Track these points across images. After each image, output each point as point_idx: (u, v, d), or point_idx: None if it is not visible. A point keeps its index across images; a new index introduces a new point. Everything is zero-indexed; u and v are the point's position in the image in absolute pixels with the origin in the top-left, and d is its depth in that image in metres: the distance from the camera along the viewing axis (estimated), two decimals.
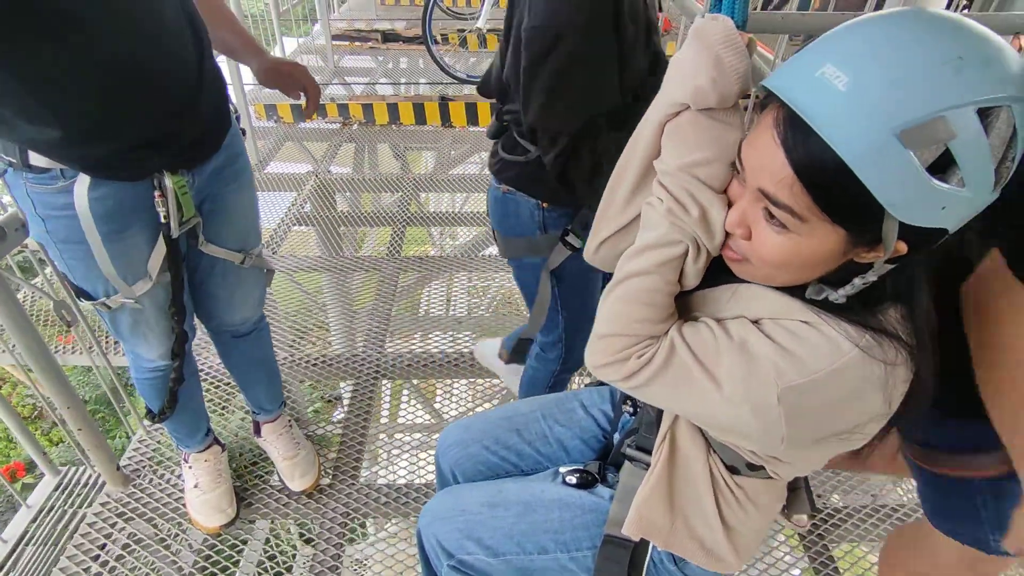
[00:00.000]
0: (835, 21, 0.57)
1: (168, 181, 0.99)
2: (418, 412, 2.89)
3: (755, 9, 3.56)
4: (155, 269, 1.07)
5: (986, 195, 0.52)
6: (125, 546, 1.46)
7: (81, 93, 0.84)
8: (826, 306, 0.62)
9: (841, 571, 1.46)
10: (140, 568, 1.43)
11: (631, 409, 0.94)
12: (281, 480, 1.59)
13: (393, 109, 3.80)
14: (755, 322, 0.65)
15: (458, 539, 0.93)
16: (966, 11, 2.75)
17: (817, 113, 0.51)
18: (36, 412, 5.28)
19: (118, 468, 1.56)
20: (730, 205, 0.64)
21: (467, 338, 2.36)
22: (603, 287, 0.74)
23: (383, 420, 3.93)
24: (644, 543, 0.87)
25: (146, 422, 1.67)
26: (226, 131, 1.10)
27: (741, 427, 0.66)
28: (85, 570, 1.40)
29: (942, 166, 0.50)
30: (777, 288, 0.66)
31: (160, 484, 1.59)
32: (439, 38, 4.63)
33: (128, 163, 0.95)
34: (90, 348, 1.64)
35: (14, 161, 0.90)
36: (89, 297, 1.07)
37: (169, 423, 1.40)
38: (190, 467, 1.50)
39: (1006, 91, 0.49)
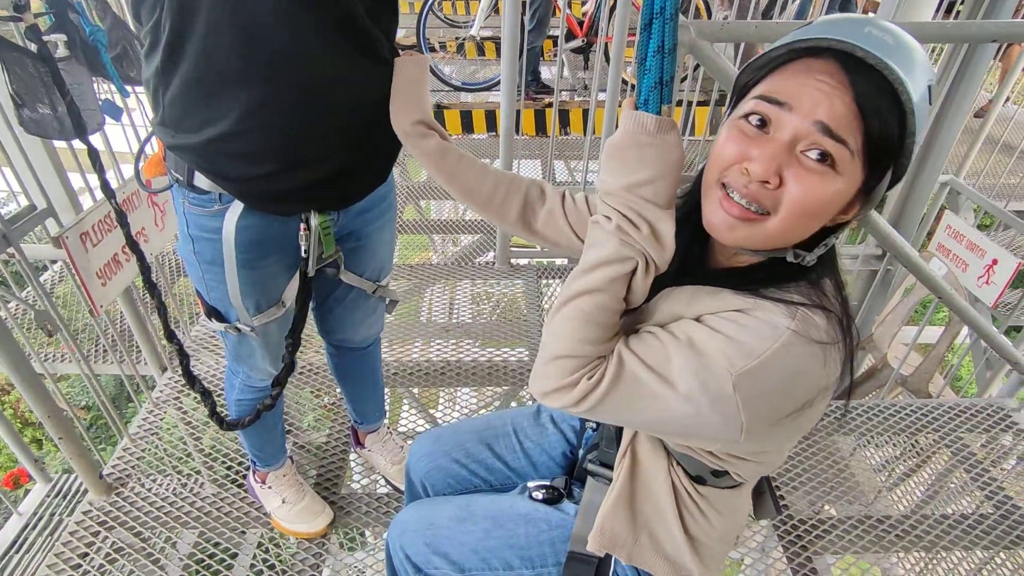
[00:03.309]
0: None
1: (314, 220, 1.01)
2: (418, 421, 2.88)
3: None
4: (290, 298, 1.10)
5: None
6: (107, 556, 1.46)
7: (276, 126, 0.87)
8: (756, 293, 0.65)
9: None
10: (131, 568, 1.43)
11: (593, 424, 0.93)
12: (394, 487, 1.63)
13: None
14: (695, 320, 0.66)
15: (425, 553, 0.93)
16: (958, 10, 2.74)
17: (884, 57, 0.56)
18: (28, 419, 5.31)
19: (100, 476, 1.57)
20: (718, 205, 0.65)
21: (470, 345, 2.34)
22: None
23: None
24: (608, 558, 0.86)
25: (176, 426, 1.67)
26: (389, 172, 1.10)
27: (701, 425, 0.65)
28: None
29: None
30: (706, 285, 0.68)
31: (144, 493, 1.59)
32: (437, 46, 4.67)
33: (297, 199, 0.97)
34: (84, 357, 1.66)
35: (180, 179, 0.94)
36: (222, 319, 1.09)
37: (255, 446, 1.43)
38: (269, 487, 1.50)
39: (933, 76, 0.60)
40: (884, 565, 1.65)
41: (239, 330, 1.10)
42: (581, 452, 0.98)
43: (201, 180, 0.93)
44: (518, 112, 3.37)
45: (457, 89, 4.21)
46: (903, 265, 1.81)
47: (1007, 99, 3.71)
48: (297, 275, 1.09)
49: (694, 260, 0.74)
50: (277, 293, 1.08)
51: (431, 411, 3.02)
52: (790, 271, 0.66)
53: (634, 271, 0.66)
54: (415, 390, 2.30)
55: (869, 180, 0.61)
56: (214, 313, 1.09)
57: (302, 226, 1.01)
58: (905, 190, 2.50)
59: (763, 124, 0.61)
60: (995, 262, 2.23)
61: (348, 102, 0.91)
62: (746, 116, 0.62)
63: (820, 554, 1.51)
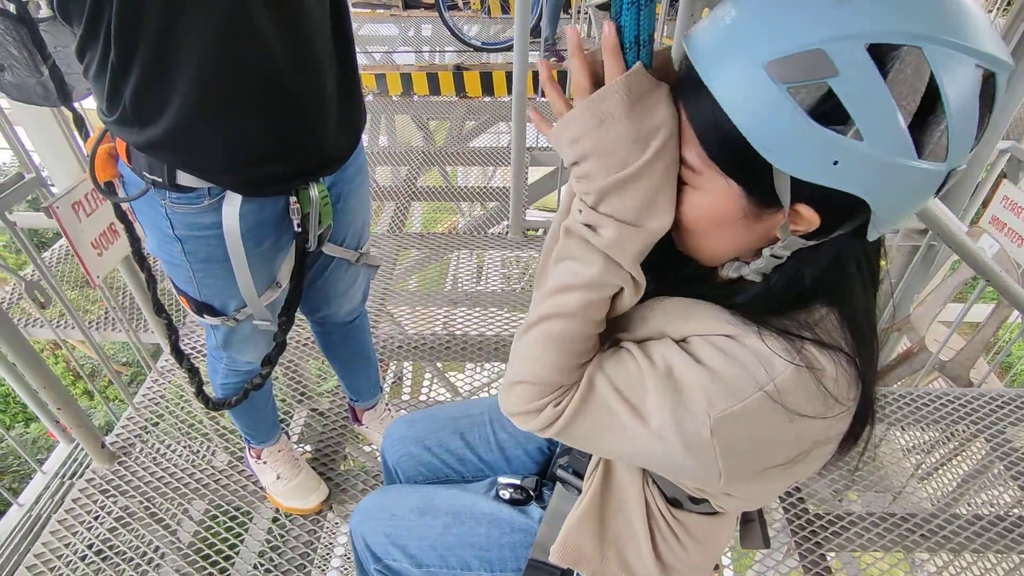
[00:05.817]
0: None
1: (314, 191, 0.95)
2: (439, 389, 2.85)
3: None
4: (285, 277, 1.05)
5: (904, 158, 0.43)
6: (111, 527, 1.47)
7: (258, 115, 0.84)
8: (755, 318, 0.54)
9: None
10: (122, 548, 1.45)
11: None
12: None
13: (407, 79, 3.70)
14: (681, 341, 0.56)
15: (384, 544, 0.90)
16: None
17: (699, 52, 0.48)
18: (91, 371, 5.58)
19: (103, 446, 1.58)
20: None
21: (493, 316, 2.26)
22: None
23: (404, 397, 3.95)
24: (571, 571, 0.80)
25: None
26: (364, 126, 1.04)
27: (674, 466, 0.59)
28: (66, 545, 1.43)
29: (835, 115, 0.43)
30: (703, 300, 0.58)
31: (145, 463, 1.60)
32: (460, 3, 4.48)
33: (287, 178, 0.92)
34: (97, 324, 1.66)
35: (159, 180, 0.86)
36: (215, 313, 1.04)
37: (247, 423, 1.41)
38: (264, 462, 1.49)
39: (909, 27, 0.41)
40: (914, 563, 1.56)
41: (237, 320, 1.05)
42: (557, 451, 0.92)
43: (186, 178, 0.85)
44: (536, 74, 3.20)
45: (477, 50, 4.05)
46: (946, 244, 1.65)
47: None
48: (291, 253, 1.02)
49: (696, 271, 0.64)
50: (273, 274, 1.03)
51: (451, 376, 2.97)
52: (806, 288, 0.55)
53: (619, 291, 0.57)
54: (439, 364, 2.25)
55: (748, 186, 0.50)
56: (206, 309, 1.03)
57: (292, 199, 0.94)
58: None
59: None
60: None
61: (321, 78, 0.85)
62: None
63: (836, 551, 1.42)
